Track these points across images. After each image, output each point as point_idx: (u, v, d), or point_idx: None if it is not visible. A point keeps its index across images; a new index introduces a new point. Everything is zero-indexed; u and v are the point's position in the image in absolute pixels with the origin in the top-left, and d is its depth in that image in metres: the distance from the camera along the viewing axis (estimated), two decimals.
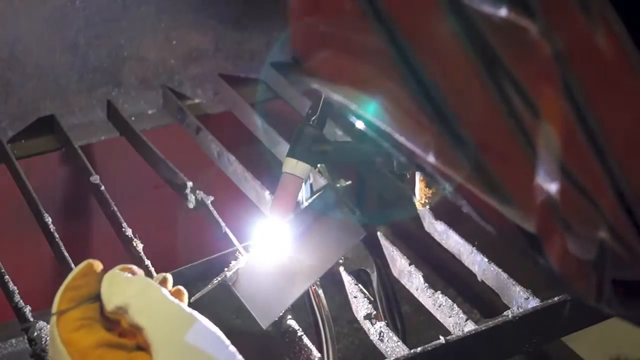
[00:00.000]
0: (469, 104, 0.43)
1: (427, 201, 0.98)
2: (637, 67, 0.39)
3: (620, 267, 0.42)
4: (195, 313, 0.66)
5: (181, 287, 0.72)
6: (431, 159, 0.45)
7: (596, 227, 0.41)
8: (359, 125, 0.47)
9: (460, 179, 0.44)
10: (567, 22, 0.39)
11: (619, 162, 0.40)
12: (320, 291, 0.99)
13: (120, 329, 0.67)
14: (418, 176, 0.98)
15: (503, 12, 0.39)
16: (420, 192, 0.98)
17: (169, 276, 0.72)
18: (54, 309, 0.67)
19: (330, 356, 0.97)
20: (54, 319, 0.66)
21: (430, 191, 0.97)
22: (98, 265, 0.70)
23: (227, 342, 0.66)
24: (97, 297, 0.68)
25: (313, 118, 1.00)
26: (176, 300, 0.67)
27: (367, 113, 0.47)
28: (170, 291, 0.71)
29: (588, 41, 0.39)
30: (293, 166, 0.99)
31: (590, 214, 0.41)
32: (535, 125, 0.41)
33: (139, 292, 0.66)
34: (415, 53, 0.43)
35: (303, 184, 1.01)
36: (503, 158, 0.43)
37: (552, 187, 0.41)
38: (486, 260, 1.02)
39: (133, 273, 0.70)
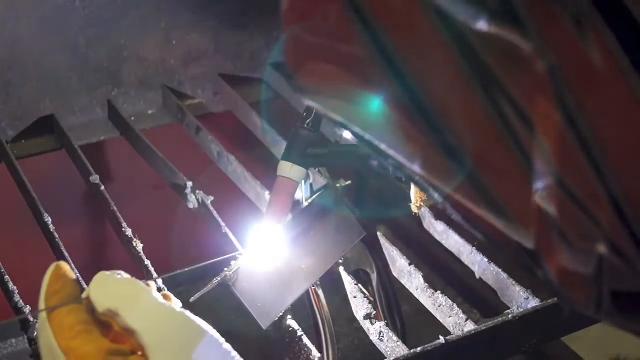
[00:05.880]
0: (460, 115, 0.43)
1: (422, 204, 0.98)
2: (630, 80, 0.39)
3: (619, 279, 0.42)
4: (200, 321, 0.65)
5: (167, 292, 0.71)
6: (420, 170, 0.45)
7: (594, 240, 0.41)
8: (348, 135, 0.47)
9: (452, 191, 0.44)
10: (559, 37, 0.39)
11: (616, 175, 0.40)
12: (320, 291, 0.99)
13: (112, 332, 0.66)
14: None
15: (494, 28, 0.39)
16: (415, 196, 0.98)
17: (152, 283, 0.71)
18: (41, 320, 0.65)
19: (330, 356, 0.97)
20: (47, 329, 0.64)
21: (425, 195, 0.97)
22: (66, 266, 0.68)
23: (234, 353, 0.65)
24: (80, 299, 0.66)
25: (308, 121, 1.00)
26: (169, 303, 0.66)
27: (355, 124, 0.47)
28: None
29: (581, 56, 0.39)
30: (288, 170, 0.99)
31: (588, 227, 0.41)
32: (529, 139, 0.41)
33: (131, 294, 0.65)
34: (404, 63, 0.43)
35: (299, 186, 1.01)
36: (498, 171, 0.43)
37: (549, 201, 0.41)
38: (486, 260, 1.02)
39: None
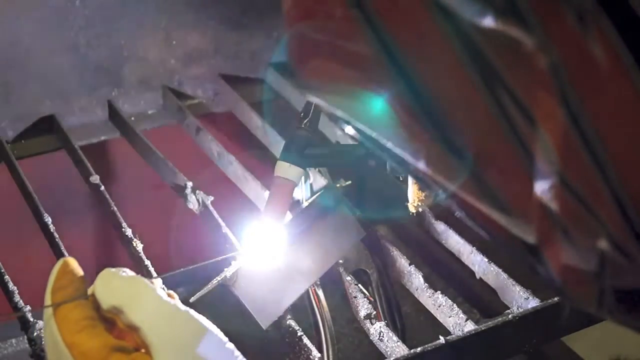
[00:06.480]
0: (463, 112, 0.43)
1: (420, 204, 0.98)
2: (633, 77, 0.39)
3: (620, 276, 0.42)
4: (204, 319, 0.65)
5: (170, 291, 0.71)
6: (424, 166, 0.45)
7: (596, 237, 0.42)
8: (350, 131, 0.47)
9: (455, 187, 0.44)
10: (563, 34, 0.39)
11: (618, 171, 0.40)
12: (320, 291, 0.99)
13: (116, 329, 0.66)
14: (411, 180, 0.98)
15: (498, 24, 0.40)
16: (413, 195, 0.98)
17: (156, 280, 0.71)
18: (46, 315, 0.65)
19: (330, 356, 0.97)
20: (52, 324, 0.64)
21: (424, 194, 0.97)
22: (73, 262, 0.69)
23: (237, 352, 0.65)
24: (86, 295, 0.67)
25: (305, 121, 1.00)
26: (173, 301, 0.66)
27: (359, 121, 0.47)
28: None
29: (584, 52, 0.39)
30: (285, 170, 0.99)
31: (590, 224, 0.41)
32: (532, 136, 0.41)
33: (136, 292, 0.65)
34: (407, 60, 0.43)
35: (298, 186, 1.00)
36: (500, 167, 0.43)
37: (551, 197, 0.41)
38: (486, 260, 1.02)
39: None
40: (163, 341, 0.63)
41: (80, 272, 0.68)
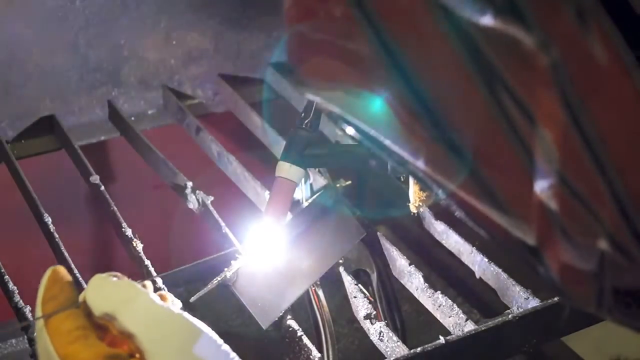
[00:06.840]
0: (463, 111, 0.43)
1: (420, 204, 0.98)
2: (634, 75, 0.39)
3: (620, 275, 0.42)
4: (198, 322, 0.65)
5: (164, 292, 0.70)
6: (424, 165, 0.45)
7: (596, 236, 0.42)
8: (350, 131, 0.47)
9: (454, 187, 0.44)
10: (563, 32, 0.39)
11: (618, 171, 0.40)
12: (320, 291, 0.99)
13: (110, 335, 0.65)
14: (412, 180, 0.98)
15: (497, 23, 0.40)
16: (414, 195, 0.98)
17: (148, 283, 0.70)
18: (38, 326, 0.64)
19: (330, 356, 0.97)
20: (44, 335, 0.63)
21: (425, 194, 0.97)
22: (62, 270, 0.68)
23: (233, 354, 0.65)
24: (77, 303, 0.65)
25: (306, 121, 1.00)
26: (165, 304, 0.65)
27: (358, 120, 0.47)
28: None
29: (584, 51, 0.39)
30: (286, 170, 0.99)
31: (589, 223, 0.41)
32: (532, 135, 0.41)
33: (128, 297, 0.64)
34: (407, 59, 0.43)
35: (299, 186, 1.00)
36: (500, 167, 0.43)
37: (551, 197, 0.41)
38: (486, 260, 1.02)
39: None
40: (157, 347, 0.62)
41: (69, 279, 0.67)
